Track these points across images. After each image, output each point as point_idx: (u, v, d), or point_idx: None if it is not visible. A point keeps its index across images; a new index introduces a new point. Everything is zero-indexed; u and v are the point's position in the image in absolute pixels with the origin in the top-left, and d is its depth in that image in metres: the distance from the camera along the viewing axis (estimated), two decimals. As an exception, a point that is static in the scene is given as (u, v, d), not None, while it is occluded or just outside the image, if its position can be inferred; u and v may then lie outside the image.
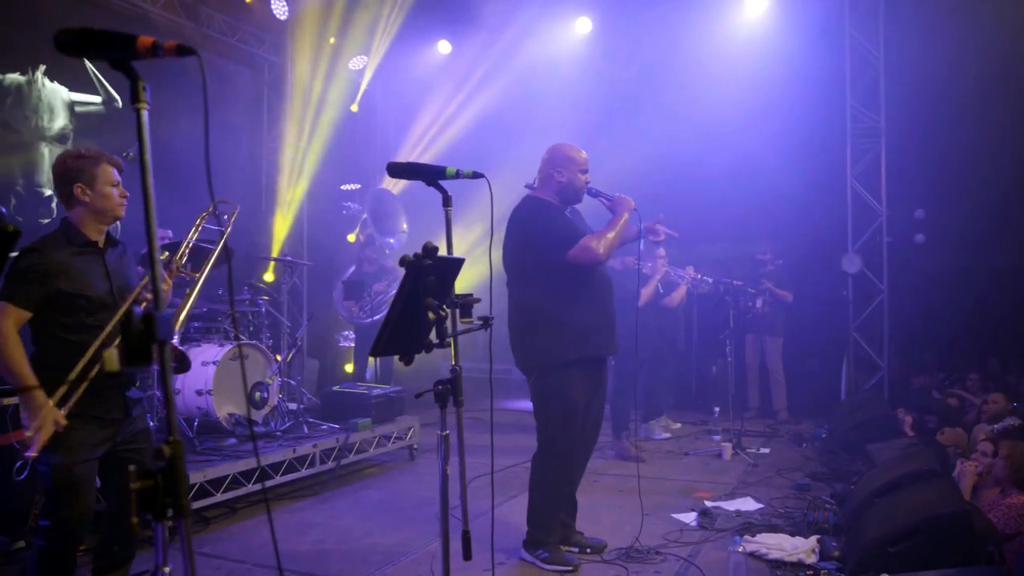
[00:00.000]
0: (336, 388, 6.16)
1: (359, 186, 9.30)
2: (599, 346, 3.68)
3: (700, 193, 7.78)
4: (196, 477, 4.15)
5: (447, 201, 2.39)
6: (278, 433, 5.27)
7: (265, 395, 5.27)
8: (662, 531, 4.12)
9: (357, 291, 7.40)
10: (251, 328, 5.89)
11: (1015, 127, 7.19)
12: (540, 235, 3.57)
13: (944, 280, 7.63)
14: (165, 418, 4.24)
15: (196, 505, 4.23)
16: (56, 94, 6.01)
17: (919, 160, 7.70)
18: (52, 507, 2.60)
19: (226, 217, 3.94)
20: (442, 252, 2.21)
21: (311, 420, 5.63)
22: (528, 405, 3.91)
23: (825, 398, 7.71)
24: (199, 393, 4.87)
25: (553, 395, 3.61)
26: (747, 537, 3.91)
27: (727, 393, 6.44)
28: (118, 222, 2.86)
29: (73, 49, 1.36)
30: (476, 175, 2.48)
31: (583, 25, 8.73)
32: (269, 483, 4.81)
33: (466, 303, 2.31)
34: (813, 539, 3.75)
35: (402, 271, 2.14)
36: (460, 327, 2.32)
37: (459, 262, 2.31)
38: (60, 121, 6.02)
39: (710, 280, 6.77)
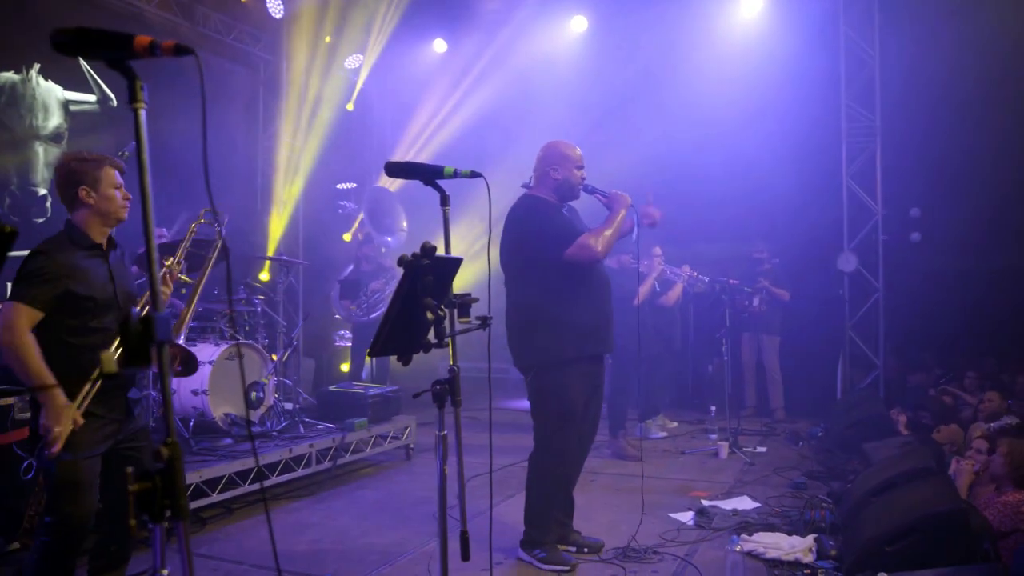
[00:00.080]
0: (332, 388, 6.14)
1: (355, 185, 9.29)
2: (597, 345, 3.68)
3: (697, 193, 7.78)
4: (192, 477, 4.14)
5: (445, 201, 2.38)
6: (274, 433, 5.26)
7: (261, 395, 5.25)
8: (659, 530, 4.12)
9: (354, 290, 7.37)
10: (247, 328, 5.88)
11: (1015, 130, 7.19)
12: (537, 234, 3.56)
13: (941, 279, 7.64)
14: (162, 418, 4.23)
15: (192, 506, 4.21)
16: (51, 93, 5.98)
17: (917, 160, 7.71)
18: (56, 503, 2.60)
19: (216, 226, 3.94)
20: (440, 252, 2.20)
21: (307, 420, 5.62)
22: (525, 404, 3.91)
23: (821, 397, 7.72)
24: (195, 393, 4.86)
25: (551, 394, 3.61)
26: (744, 536, 3.91)
27: (724, 392, 6.43)
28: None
29: (70, 49, 1.35)
30: (474, 175, 2.47)
31: (579, 24, 8.73)
32: (265, 483, 4.80)
33: (464, 303, 2.30)
34: (810, 538, 3.75)
35: (400, 270, 2.14)
36: (458, 327, 2.32)
37: (457, 262, 2.30)
38: (55, 120, 5.99)
39: (706, 279, 6.77)
